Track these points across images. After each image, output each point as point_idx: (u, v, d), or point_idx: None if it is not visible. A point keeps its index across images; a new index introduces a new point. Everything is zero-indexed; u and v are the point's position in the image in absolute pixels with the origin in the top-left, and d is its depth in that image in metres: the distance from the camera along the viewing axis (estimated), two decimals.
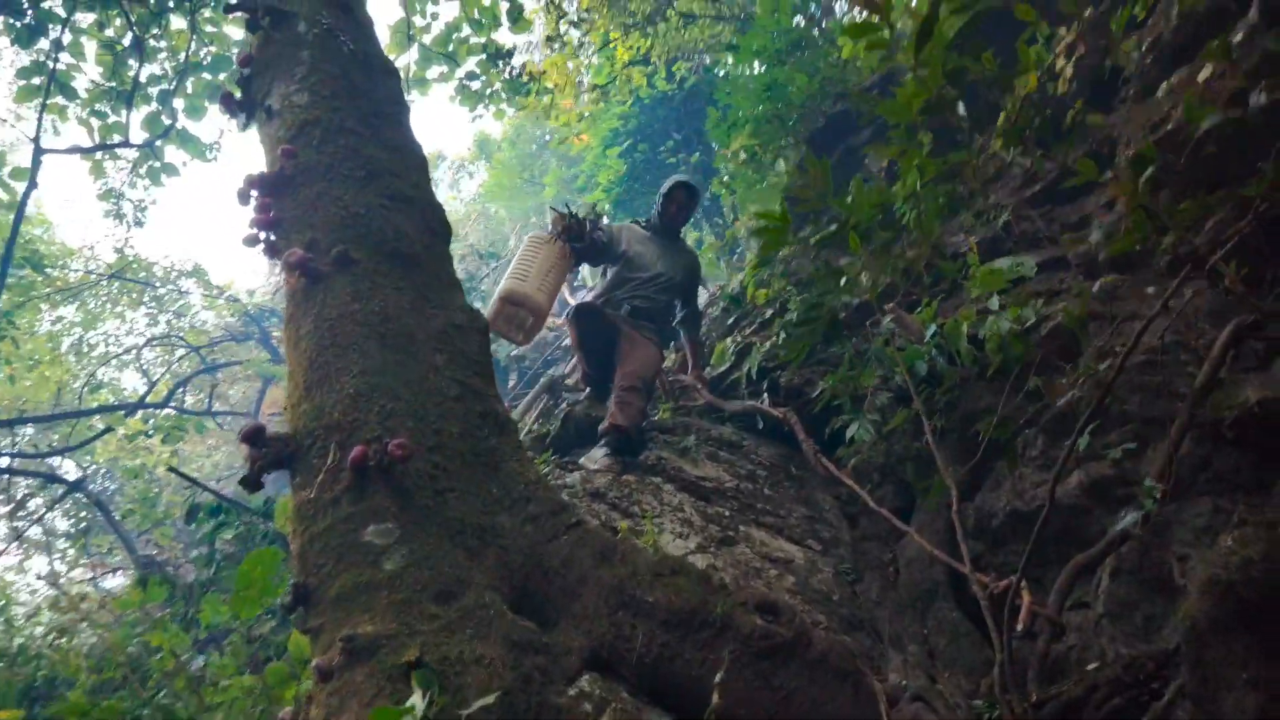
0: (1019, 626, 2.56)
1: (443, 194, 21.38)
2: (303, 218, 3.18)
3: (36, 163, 9.46)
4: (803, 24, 8.31)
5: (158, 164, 10.14)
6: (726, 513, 4.06)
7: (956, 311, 3.91)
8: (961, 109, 2.14)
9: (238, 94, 3.72)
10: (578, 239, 5.00)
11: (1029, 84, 2.22)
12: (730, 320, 6.84)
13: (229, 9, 3.77)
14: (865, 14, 2.23)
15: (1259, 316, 2.40)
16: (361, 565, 2.41)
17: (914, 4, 5.87)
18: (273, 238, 3.21)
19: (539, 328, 4.93)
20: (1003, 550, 3.31)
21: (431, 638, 2.26)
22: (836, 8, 9.96)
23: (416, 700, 1.76)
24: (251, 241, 3.21)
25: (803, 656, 2.42)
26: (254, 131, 3.78)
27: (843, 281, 2.39)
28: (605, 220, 5.42)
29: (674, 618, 2.49)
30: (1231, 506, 2.65)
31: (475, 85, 9.82)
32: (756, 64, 7.65)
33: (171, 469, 5.87)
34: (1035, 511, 3.07)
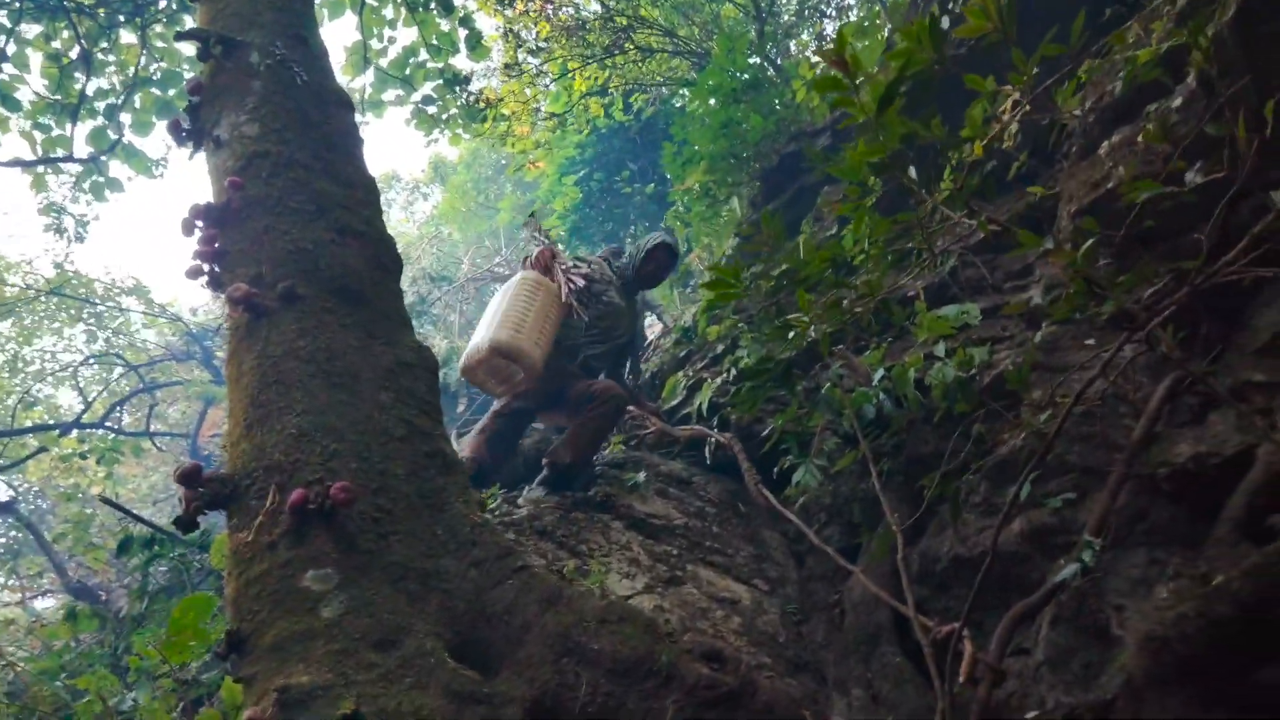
0: (961, 676, 2.59)
1: (396, 215, 21.22)
2: (248, 251, 3.13)
3: None
4: (758, 64, 8.44)
5: (102, 179, 9.92)
6: (674, 551, 4.05)
7: (904, 355, 3.97)
8: (912, 172, 2.19)
9: (186, 122, 3.65)
10: (582, 287, 4.57)
11: (975, 150, 2.27)
12: (682, 354, 6.86)
13: (181, 36, 3.71)
14: (827, 66, 2.27)
15: (1192, 376, 2.47)
16: (298, 612, 2.35)
17: (872, 51, 6.00)
18: (217, 270, 3.15)
19: (527, 385, 4.36)
20: (946, 595, 3.34)
21: (369, 688, 2.21)
22: (792, 46, 10.14)
23: None
24: (195, 274, 3.14)
25: (748, 706, 2.41)
26: (203, 155, 3.71)
27: (790, 335, 2.42)
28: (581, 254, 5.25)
29: (619, 666, 2.46)
30: (1166, 558, 2.70)
31: (432, 110, 9.80)
32: (712, 101, 7.74)
33: (104, 499, 5.68)
34: (978, 557, 3.11)
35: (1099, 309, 2.07)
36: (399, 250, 3.56)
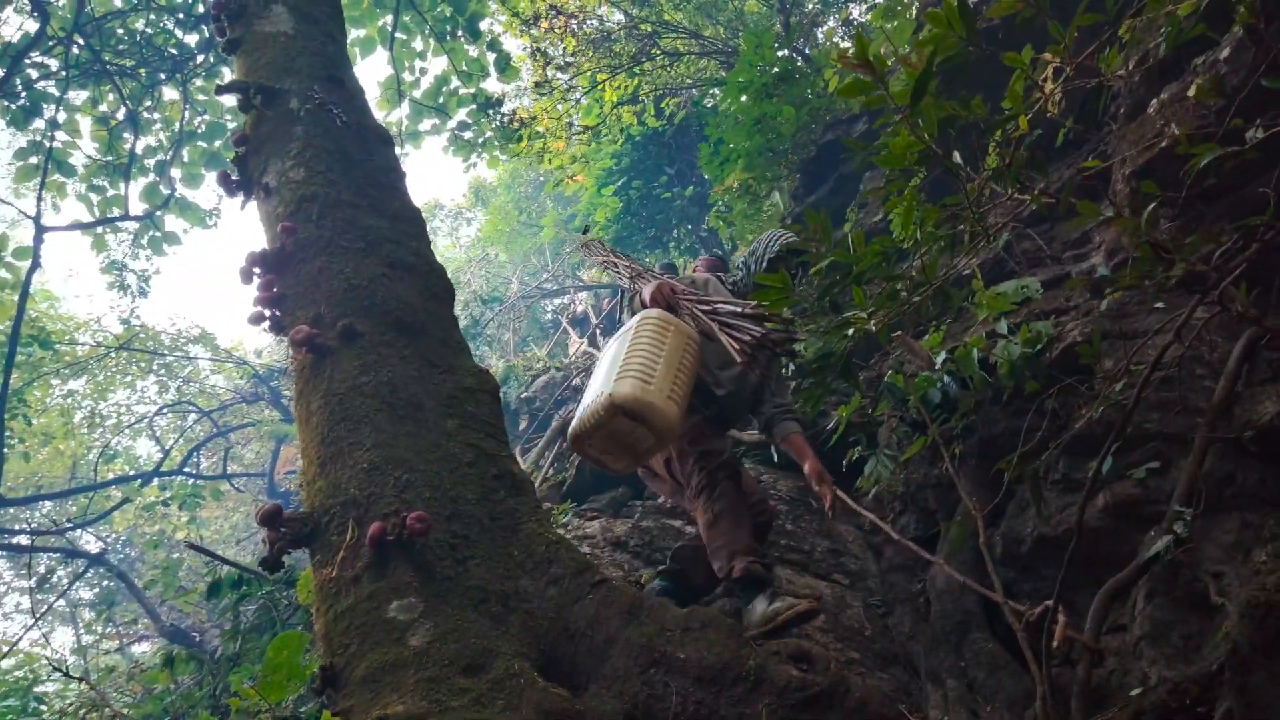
0: (1055, 648, 2.53)
1: (441, 242, 21.51)
2: (306, 293, 3.20)
3: (38, 241, 9.55)
4: (787, 56, 8.38)
5: (158, 234, 10.25)
6: None
7: (965, 335, 3.90)
8: (956, 156, 2.14)
9: (234, 173, 3.75)
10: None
11: (1021, 125, 2.22)
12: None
13: (221, 90, 3.82)
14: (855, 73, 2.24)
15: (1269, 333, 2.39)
16: (387, 643, 2.39)
17: (903, 31, 5.91)
18: (277, 314, 3.22)
19: (655, 453, 3.26)
20: (1032, 576, 3.27)
21: (463, 713, 2.23)
22: (819, 35, 10.05)
23: None
24: (257, 319, 3.22)
25: (841, 705, 2.38)
26: (254, 204, 3.81)
27: (849, 331, 2.39)
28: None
29: (707, 673, 2.45)
30: (1260, 521, 2.62)
31: (467, 135, 9.93)
32: (744, 98, 7.71)
33: (190, 544, 5.86)
34: (1062, 535, 3.04)
35: (1168, 273, 2.00)
36: (449, 276, 3.60)
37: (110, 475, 13.35)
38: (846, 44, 9.28)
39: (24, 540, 11.67)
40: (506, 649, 2.48)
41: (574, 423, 3.13)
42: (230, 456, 14.05)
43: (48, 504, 13.59)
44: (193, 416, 13.76)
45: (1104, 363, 3.13)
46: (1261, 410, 2.61)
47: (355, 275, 3.23)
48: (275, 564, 2.65)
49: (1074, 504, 2.97)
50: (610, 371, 3.08)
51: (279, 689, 2.52)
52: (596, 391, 3.08)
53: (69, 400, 14.20)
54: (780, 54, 8.21)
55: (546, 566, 2.80)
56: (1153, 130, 3.06)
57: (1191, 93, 2.49)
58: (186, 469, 12.04)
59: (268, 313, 3.24)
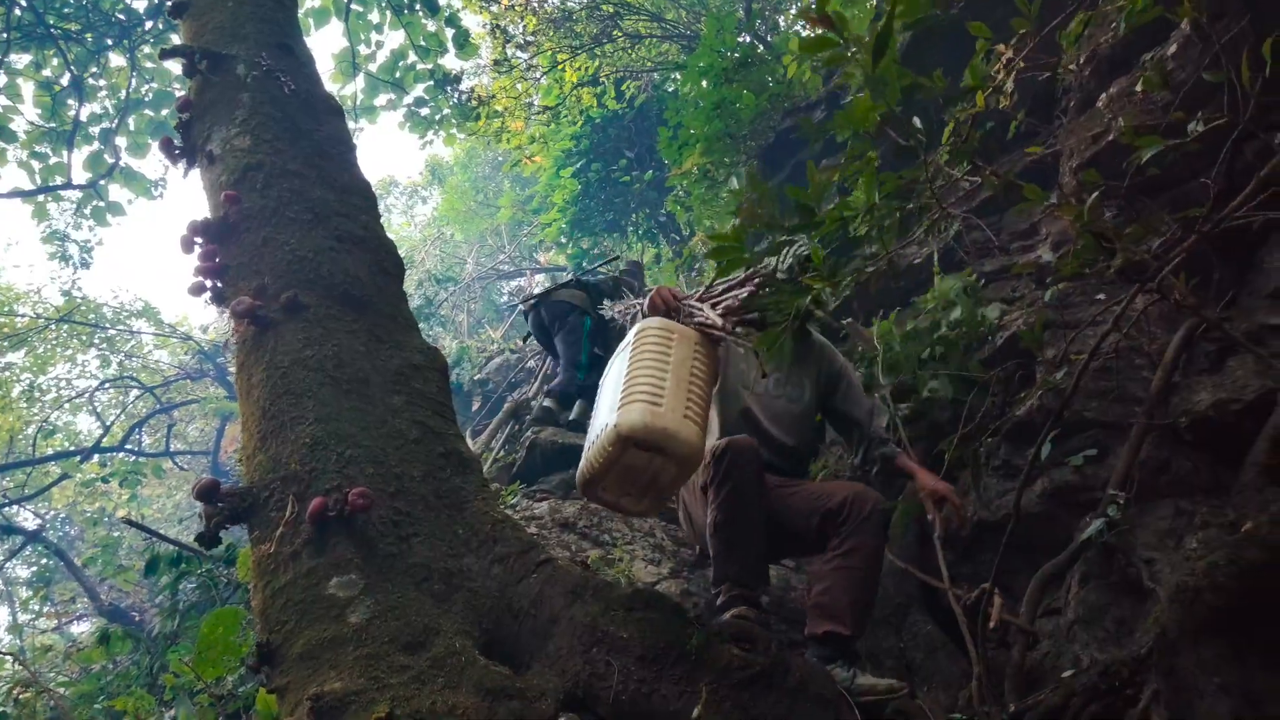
0: (991, 630, 2.58)
1: (396, 220, 21.21)
2: (249, 264, 3.12)
3: None
4: (748, 41, 8.38)
5: (102, 204, 9.96)
6: None
7: (914, 322, 3.94)
8: (917, 122, 2.16)
9: (177, 140, 3.64)
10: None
11: (978, 102, 2.24)
12: None
13: (165, 54, 3.70)
14: (817, 30, 2.24)
15: (1207, 322, 2.44)
16: (326, 620, 2.35)
17: (862, 20, 5.94)
18: (219, 285, 3.15)
19: (681, 483, 2.77)
20: (971, 561, 3.32)
21: (402, 690, 2.21)
22: (781, 22, 10.06)
23: None
24: (197, 290, 3.14)
25: (781, 685, 2.40)
26: (197, 173, 3.71)
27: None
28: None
29: (649, 653, 2.45)
30: (1193, 508, 2.69)
31: (424, 111, 9.79)
32: (704, 83, 7.69)
33: (129, 521, 5.73)
34: (1001, 521, 3.09)
35: (1108, 263, 2.04)
36: (401, 254, 3.55)
37: (49, 451, 13.00)
38: (807, 32, 9.30)
39: None
40: (448, 627, 2.45)
41: (581, 465, 2.70)
42: (173, 434, 13.76)
43: None
44: (135, 392, 13.44)
45: (1046, 351, 3.19)
46: (1197, 400, 2.68)
47: (301, 247, 3.16)
48: (212, 540, 2.59)
49: (1013, 489, 3.03)
50: (613, 399, 2.63)
51: (215, 666, 2.48)
52: (601, 425, 2.62)
53: (7, 373, 13.79)
54: (741, 40, 8.21)
55: (491, 545, 2.78)
56: (1100, 124, 3.11)
57: (1139, 86, 2.53)
58: (128, 446, 11.77)
59: (209, 283, 3.16)
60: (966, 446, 2.92)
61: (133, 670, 4.97)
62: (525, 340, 6.15)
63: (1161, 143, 1.99)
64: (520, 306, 6.63)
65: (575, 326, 6.24)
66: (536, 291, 6.59)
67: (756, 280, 2.83)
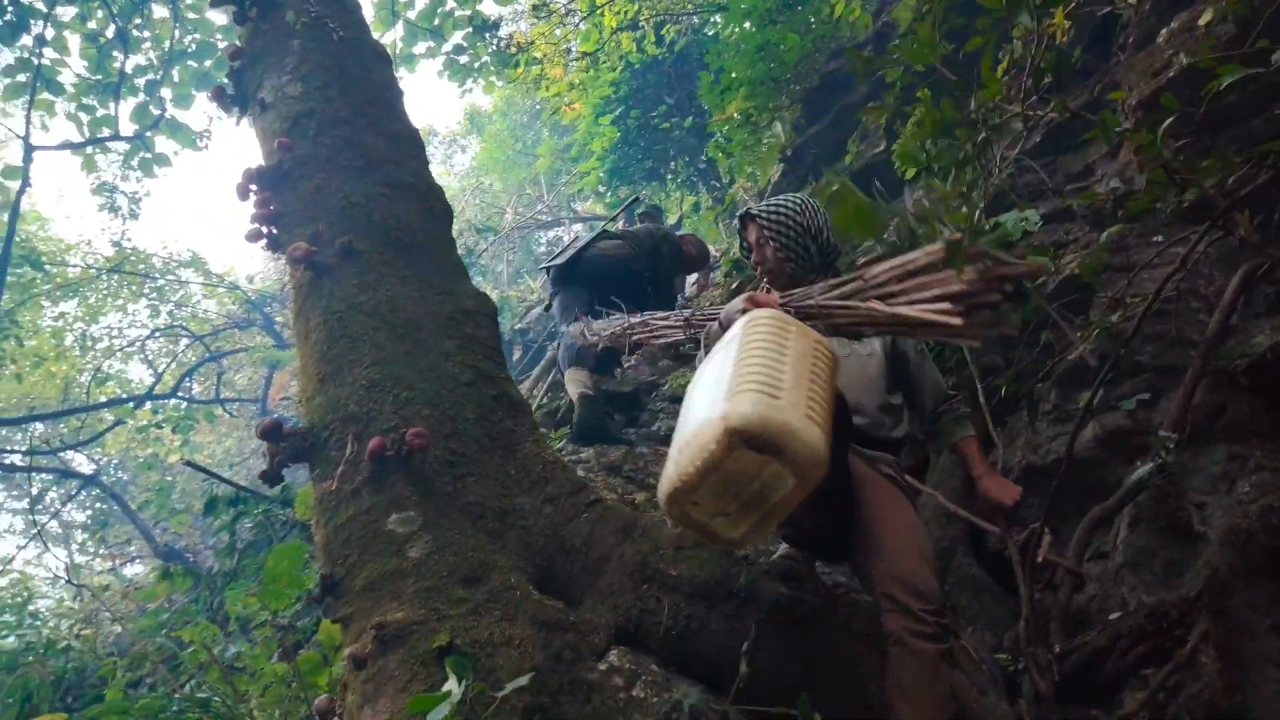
0: (1039, 562, 2.58)
1: (436, 170, 21.18)
2: (304, 210, 3.17)
3: (27, 160, 9.43)
4: None
5: (149, 155, 10.07)
6: None
7: None
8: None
9: (229, 88, 3.68)
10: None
11: (1057, 20, 2.18)
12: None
13: (216, 2, 3.72)
14: None
15: (1270, 261, 2.40)
16: (386, 554, 2.44)
17: None
18: (274, 232, 3.20)
19: (794, 504, 2.04)
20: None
21: (460, 622, 2.29)
22: None
23: (452, 686, 1.78)
24: (254, 237, 3.20)
25: (829, 623, 2.45)
26: (247, 120, 3.75)
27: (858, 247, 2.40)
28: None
29: (699, 590, 2.51)
30: (1247, 452, 2.66)
31: (463, 59, 9.73)
32: (747, 24, 7.55)
33: (188, 463, 5.90)
34: (1051, 465, 3.09)
35: (1180, 198, 2.00)
36: None
37: (103, 398, 13.36)
38: None
39: (18, 460, 11.73)
40: (503, 563, 2.53)
41: (665, 473, 2.08)
42: (223, 382, 14.07)
43: (40, 426, 13.64)
44: (185, 341, 13.74)
45: (1102, 296, 3.14)
46: (1255, 343, 2.64)
47: (354, 193, 3.20)
48: (275, 478, 2.68)
49: (1063, 434, 3.02)
50: (712, 395, 2.06)
51: (280, 597, 2.57)
52: (695, 423, 2.05)
53: (60, 322, 14.14)
54: None
55: (543, 485, 2.84)
56: (1161, 59, 3.02)
57: (1203, 20, 2.46)
58: (179, 393, 12.07)
59: (265, 230, 3.21)
60: (1022, 387, 2.90)
61: (191, 607, 5.16)
62: (547, 309, 5.67)
63: (1242, 70, 1.93)
64: (545, 265, 5.72)
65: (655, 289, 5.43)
66: (559, 254, 5.62)
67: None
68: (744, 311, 2.31)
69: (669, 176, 12.12)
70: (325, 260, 2.99)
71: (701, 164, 11.77)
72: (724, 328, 2.40)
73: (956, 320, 1.84)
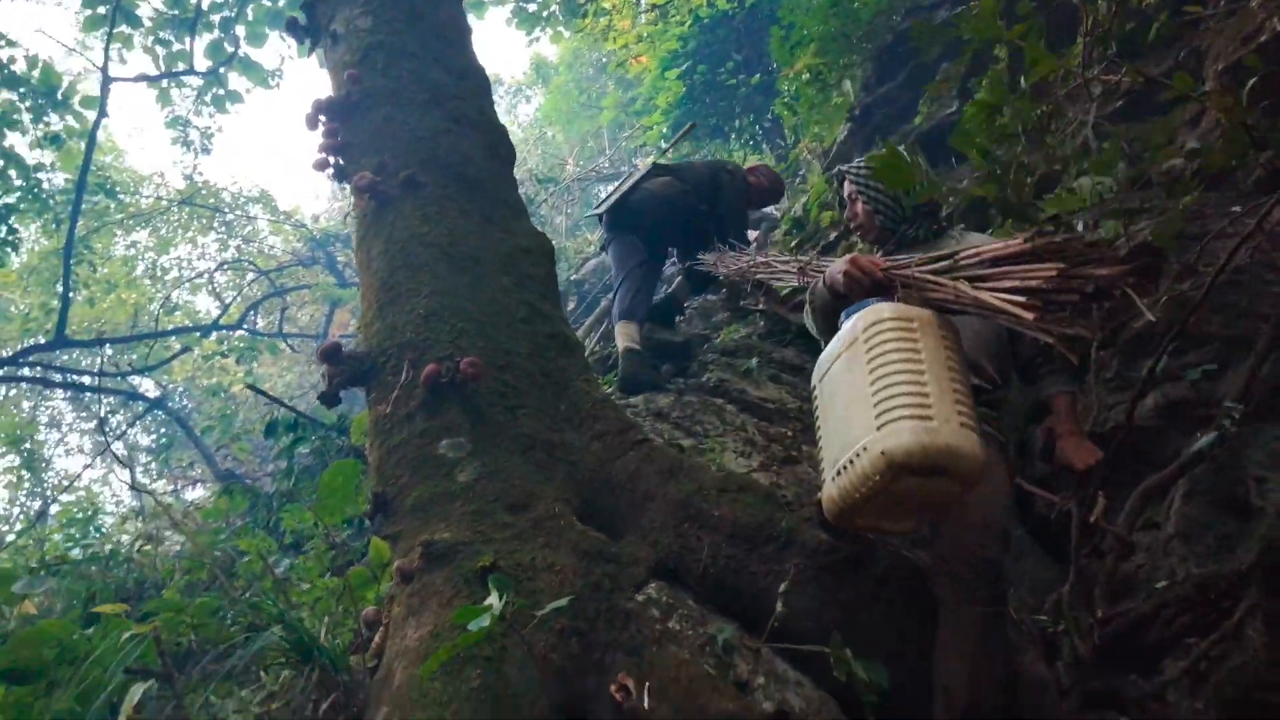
0: (1091, 521, 2.55)
1: (500, 118, 21.25)
2: (370, 142, 3.22)
3: (105, 91, 9.64)
4: None
5: (222, 91, 10.27)
6: (789, 433, 4.08)
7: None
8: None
9: (302, 19, 3.73)
10: None
11: None
12: (793, 244, 6.77)
13: None
14: None
15: None
16: (436, 477, 2.51)
17: None
18: (341, 162, 3.26)
19: (957, 500, 2.13)
20: (1073, 473, 3.27)
21: (505, 545, 2.35)
22: None
23: (494, 601, 1.84)
24: (321, 165, 3.26)
25: (868, 572, 2.45)
26: (314, 60, 3.80)
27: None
28: None
29: (740, 531, 2.53)
30: None
31: (531, 7, 9.71)
32: None
33: (250, 386, 6.09)
34: (1109, 433, 3.03)
35: (1253, 159, 1.93)
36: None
37: (171, 327, 13.78)
38: None
39: (88, 381, 12.18)
40: (549, 493, 2.58)
41: (828, 491, 2.16)
42: (286, 317, 14.39)
43: (109, 350, 14.12)
44: (251, 275, 14.08)
45: (1173, 265, 3.05)
46: None
47: (419, 127, 3.24)
48: (333, 399, 2.76)
49: (1124, 402, 2.96)
50: (855, 415, 2.12)
51: (333, 512, 2.66)
52: (846, 447, 2.11)
53: (132, 251, 14.57)
54: None
55: (592, 423, 2.88)
56: (1252, 23, 2.90)
57: None
58: (244, 325, 12.40)
59: (332, 160, 3.28)
60: (1078, 346, 2.83)
61: (249, 526, 5.35)
62: (603, 250, 5.32)
63: None
64: (593, 211, 5.38)
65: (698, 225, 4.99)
66: (607, 198, 5.26)
67: (1056, 249, 2.06)
68: (846, 275, 2.33)
69: (733, 135, 11.97)
70: (389, 191, 3.03)
71: (767, 123, 11.61)
72: (829, 289, 2.43)
73: (1029, 315, 1.90)
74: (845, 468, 2.09)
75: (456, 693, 1.99)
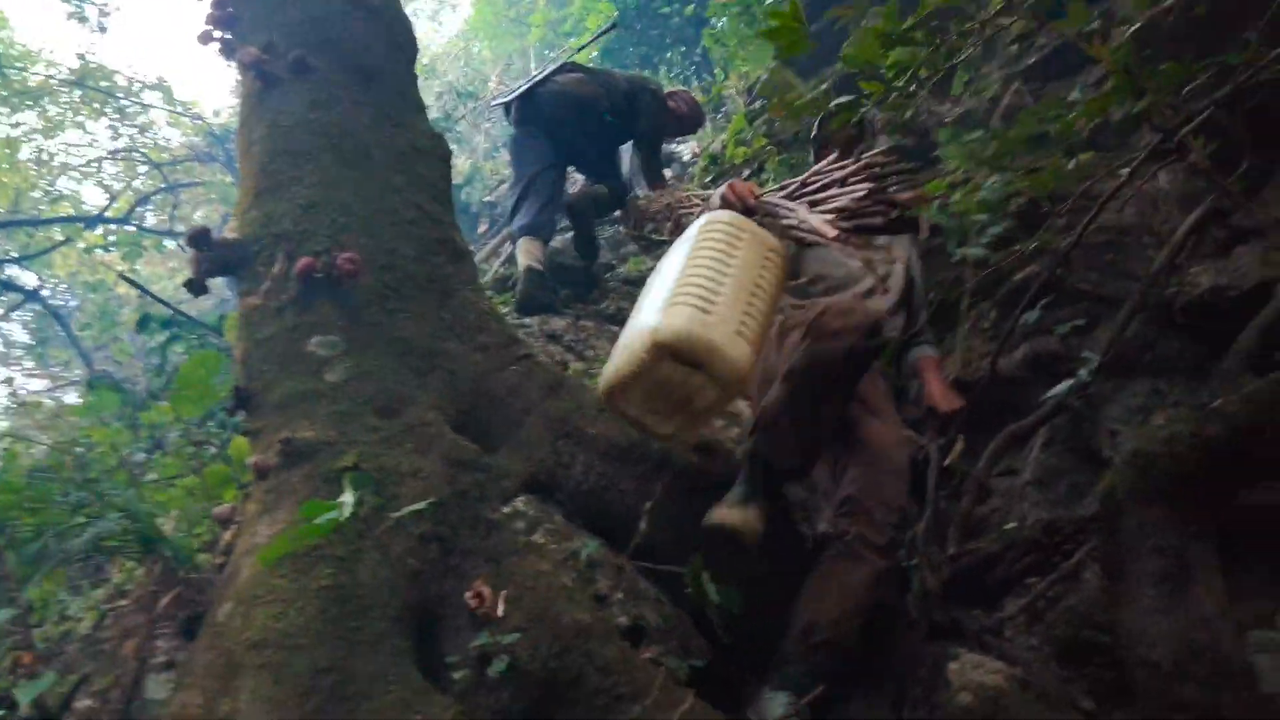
0: (945, 464, 2.64)
1: (423, 25, 20.41)
2: (261, 18, 3.02)
3: None
4: None
5: None
6: None
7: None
8: None
9: None
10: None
11: None
12: (709, 180, 6.73)
13: None
14: None
15: (1225, 201, 2.39)
16: (304, 374, 2.41)
17: None
18: (228, 37, 3.05)
19: (718, 410, 2.38)
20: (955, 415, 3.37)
21: (370, 448, 2.29)
22: None
23: (347, 497, 1.78)
24: (206, 39, 3.05)
25: None
26: None
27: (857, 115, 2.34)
28: None
29: (613, 450, 2.53)
30: (1169, 389, 2.71)
31: None
32: None
33: (124, 277, 5.77)
34: (976, 382, 3.12)
35: (1136, 106, 1.96)
36: (424, 62, 3.42)
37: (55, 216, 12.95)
38: None
39: None
40: (424, 400, 2.51)
41: (606, 369, 2.24)
42: (177, 216, 13.67)
43: None
44: (143, 168, 13.27)
45: (1057, 220, 3.13)
46: (1197, 283, 2.65)
47: (315, 6, 3.05)
48: (200, 287, 2.61)
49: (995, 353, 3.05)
50: (655, 299, 2.16)
51: (193, 405, 2.54)
52: (638, 326, 2.16)
53: (17, 132, 13.57)
54: None
55: (476, 333, 2.81)
56: None
57: None
58: (132, 220, 11.72)
59: (217, 34, 3.06)
60: (952, 294, 2.91)
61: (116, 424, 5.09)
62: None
63: None
64: (500, 100, 4.95)
65: (609, 137, 4.71)
66: (520, 84, 4.85)
67: (873, 170, 2.23)
68: (723, 198, 2.40)
69: (662, 66, 11.78)
70: (277, 72, 2.86)
71: (697, 56, 11.44)
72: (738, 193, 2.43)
73: (831, 232, 2.11)
74: (625, 344, 2.17)
75: (304, 590, 1.94)
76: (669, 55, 11.71)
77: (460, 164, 13.69)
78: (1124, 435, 2.64)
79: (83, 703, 2.09)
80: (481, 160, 14.18)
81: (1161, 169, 2.55)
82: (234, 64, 3.00)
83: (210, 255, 2.56)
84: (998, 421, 3.00)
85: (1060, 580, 2.42)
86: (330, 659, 1.83)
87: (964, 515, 2.76)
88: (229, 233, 2.68)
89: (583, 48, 5.94)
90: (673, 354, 2.03)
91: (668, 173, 8.29)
